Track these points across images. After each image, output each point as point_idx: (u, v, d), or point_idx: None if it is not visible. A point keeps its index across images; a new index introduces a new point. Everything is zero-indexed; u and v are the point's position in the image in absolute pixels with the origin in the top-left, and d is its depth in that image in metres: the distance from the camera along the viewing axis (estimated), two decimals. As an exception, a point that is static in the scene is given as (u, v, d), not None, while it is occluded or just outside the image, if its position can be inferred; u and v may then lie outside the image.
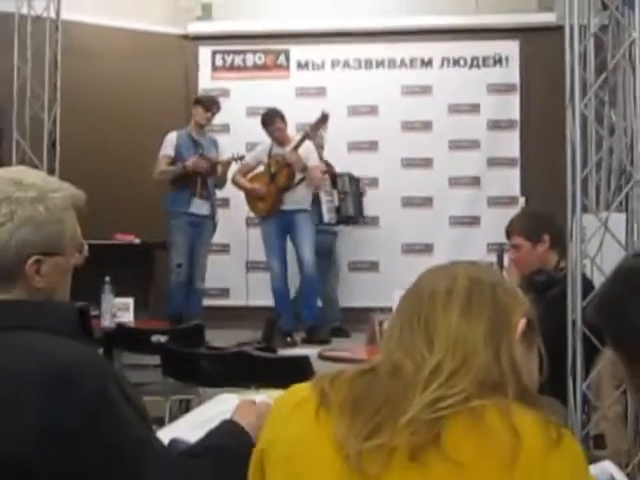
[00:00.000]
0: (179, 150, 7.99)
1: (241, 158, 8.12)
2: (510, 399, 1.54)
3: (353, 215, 8.63)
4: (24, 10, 7.39)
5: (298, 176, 7.97)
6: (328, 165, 8.51)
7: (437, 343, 1.59)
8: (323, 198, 8.40)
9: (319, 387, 1.62)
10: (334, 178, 8.54)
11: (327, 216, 8.42)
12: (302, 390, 1.66)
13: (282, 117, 8.05)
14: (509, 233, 4.43)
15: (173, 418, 5.02)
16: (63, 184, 1.96)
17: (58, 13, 7.51)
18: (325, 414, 1.58)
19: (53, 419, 1.69)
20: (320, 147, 8.35)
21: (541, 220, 4.45)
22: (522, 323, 1.63)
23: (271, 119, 8.05)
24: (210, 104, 8.10)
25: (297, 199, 8.02)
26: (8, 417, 1.70)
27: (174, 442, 2.04)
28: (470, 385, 1.54)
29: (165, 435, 2.06)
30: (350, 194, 8.58)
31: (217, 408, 2.25)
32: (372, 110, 9.30)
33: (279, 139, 8.04)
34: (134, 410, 1.79)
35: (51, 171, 7.32)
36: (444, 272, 1.70)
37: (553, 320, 4.13)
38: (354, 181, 8.67)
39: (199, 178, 7.93)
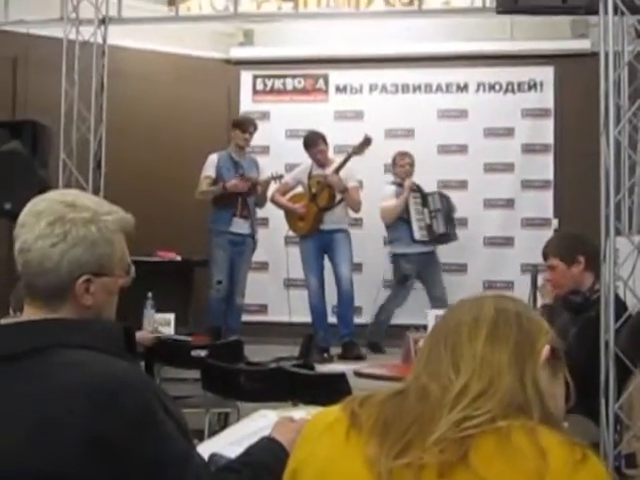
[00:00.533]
0: (220, 171, 8.11)
1: (280, 177, 8.24)
2: (535, 421, 1.57)
3: (444, 233, 8.43)
4: (72, 36, 7.58)
5: (338, 197, 8.11)
6: (418, 186, 8.50)
7: (463, 367, 1.63)
8: (414, 217, 8.36)
9: (349, 409, 1.66)
10: (424, 197, 8.48)
11: (418, 234, 8.32)
12: (333, 412, 1.69)
13: (324, 139, 8.19)
14: (545, 254, 4.48)
15: (212, 430, 5.16)
16: (113, 207, 1.99)
17: (105, 39, 7.68)
18: (356, 435, 1.62)
19: (98, 433, 1.72)
20: (411, 166, 8.42)
21: (576, 241, 4.50)
22: (546, 349, 1.67)
23: (314, 141, 8.18)
24: (246, 125, 8.21)
25: (336, 219, 8.15)
26: (54, 431, 1.74)
27: (214, 457, 2.10)
28: (496, 407, 1.57)
29: (205, 450, 2.11)
30: (441, 212, 8.45)
31: (256, 424, 2.30)
32: (409, 133, 9.38)
33: (321, 161, 8.17)
34: (175, 425, 1.82)
35: (96, 190, 7.49)
36: (471, 303, 1.76)
37: (588, 341, 4.23)
38: (444, 199, 8.55)
39: (240, 198, 8.05)
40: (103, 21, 7.68)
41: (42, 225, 1.88)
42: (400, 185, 8.38)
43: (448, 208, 8.50)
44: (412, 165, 8.43)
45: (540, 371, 1.65)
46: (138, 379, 1.85)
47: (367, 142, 8.08)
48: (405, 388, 1.68)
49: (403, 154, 8.46)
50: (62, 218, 1.89)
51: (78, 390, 1.76)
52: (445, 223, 8.44)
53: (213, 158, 8.17)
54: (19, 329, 1.91)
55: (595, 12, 4.84)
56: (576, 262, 4.37)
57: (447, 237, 8.50)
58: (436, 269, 8.49)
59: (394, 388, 1.70)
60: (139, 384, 1.83)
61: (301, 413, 2.22)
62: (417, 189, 8.45)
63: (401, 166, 8.41)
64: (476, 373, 1.62)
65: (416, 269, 8.38)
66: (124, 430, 1.74)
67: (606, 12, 4.70)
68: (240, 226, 8.11)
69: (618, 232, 4.71)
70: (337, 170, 8.05)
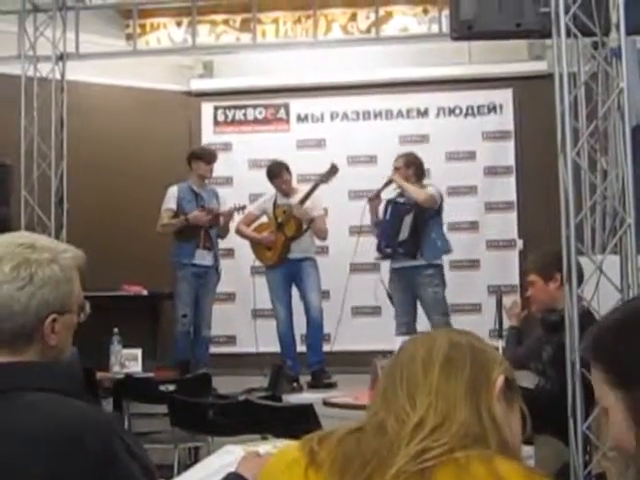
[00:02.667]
0: (181, 203, 8.09)
1: (243, 208, 8.21)
2: (493, 451, 1.58)
3: (381, 246, 7.68)
4: (30, 72, 7.56)
5: (305, 225, 8.08)
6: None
7: (419, 400, 1.64)
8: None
9: (308, 447, 1.67)
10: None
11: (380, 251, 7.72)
12: (292, 451, 1.70)
13: (288, 169, 8.17)
14: (526, 270, 4.56)
15: (182, 466, 5.12)
16: (65, 245, 2.03)
17: (63, 74, 7.67)
18: (314, 473, 1.63)
19: (61, 477, 1.72)
20: (397, 169, 7.69)
21: (554, 258, 4.52)
22: (500, 380, 1.68)
23: (278, 172, 8.15)
24: (211, 156, 8.23)
25: (303, 248, 8.12)
26: (17, 476, 1.73)
27: None
28: (453, 438, 1.58)
29: None
30: (386, 223, 7.69)
31: (223, 460, 2.27)
32: (371, 160, 9.44)
33: (285, 191, 8.15)
34: (140, 466, 1.81)
35: (59, 227, 7.45)
36: (424, 338, 1.78)
37: (563, 364, 4.25)
38: (393, 206, 7.70)
39: (202, 230, 8.04)
40: (61, 57, 7.67)
41: (6, 270, 1.88)
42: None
43: (392, 216, 7.68)
44: (399, 168, 7.68)
45: (495, 402, 1.66)
46: (99, 420, 1.84)
47: (334, 171, 8.06)
48: (363, 424, 1.68)
49: (397, 157, 7.84)
50: (26, 261, 1.89)
51: (38, 434, 1.75)
52: (387, 236, 7.64)
53: (173, 190, 8.14)
54: None
55: (549, 35, 4.88)
56: (553, 279, 4.43)
57: (386, 253, 7.68)
58: (422, 288, 7.58)
59: (352, 425, 1.70)
60: (100, 425, 1.81)
61: (267, 447, 2.22)
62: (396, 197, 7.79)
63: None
64: (432, 406, 1.63)
65: (399, 287, 7.63)
66: (86, 473, 1.73)
67: (559, 35, 4.74)
68: (203, 258, 8.09)
69: (580, 252, 4.71)
70: (303, 200, 8.03)
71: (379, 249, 7.77)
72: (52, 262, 1.92)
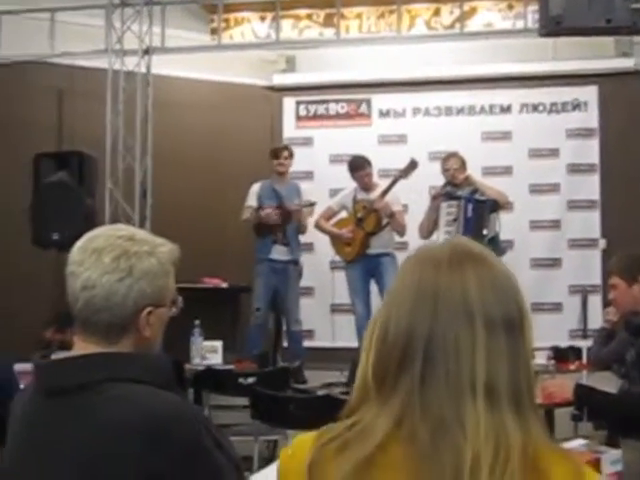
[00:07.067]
0: (261, 200, 8.19)
1: (312, 204, 8.24)
2: None
3: None
4: (117, 66, 7.68)
5: (384, 221, 8.07)
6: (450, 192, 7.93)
7: None
8: (441, 229, 7.81)
9: None
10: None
11: None
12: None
13: (370, 163, 8.18)
14: (609, 273, 4.48)
15: (261, 458, 5.15)
16: (161, 239, 2.02)
17: (149, 68, 7.79)
18: None
19: (152, 468, 1.76)
20: (456, 170, 7.94)
21: (638, 260, 4.42)
22: None
23: (360, 165, 8.17)
24: (277, 152, 8.30)
25: (383, 243, 8.11)
26: (111, 466, 1.77)
27: None
28: None
29: None
30: (459, 221, 7.70)
31: None
32: (453, 156, 9.41)
33: (366, 184, 8.16)
34: (227, 458, 1.85)
35: (142, 219, 7.57)
36: None
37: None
38: (472, 204, 7.70)
39: (277, 226, 8.13)
40: (147, 51, 7.78)
41: (106, 261, 1.90)
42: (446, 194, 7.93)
43: (476, 214, 7.71)
44: (458, 169, 7.94)
45: None
46: (189, 412, 1.87)
47: (413, 166, 8.03)
48: None
49: (446, 158, 8.07)
50: (126, 252, 1.91)
51: (129, 425, 1.78)
52: (470, 233, 7.45)
53: (255, 188, 8.26)
54: (70, 364, 1.92)
55: (639, 32, 4.81)
56: (637, 281, 4.34)
57: None
58: None
59: None
60: (190, 417, 1.84)
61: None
62: (454, 196, 7.88)
63: (446, 170, 8.01)
64: None
65: None
66: (176, 464, 1.76)
67: (650, 32, 4.67)
68: (281, 253, 8.17)
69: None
70: (383, 194, 8.02)
71: None
72: (150, 255, 1.93)
